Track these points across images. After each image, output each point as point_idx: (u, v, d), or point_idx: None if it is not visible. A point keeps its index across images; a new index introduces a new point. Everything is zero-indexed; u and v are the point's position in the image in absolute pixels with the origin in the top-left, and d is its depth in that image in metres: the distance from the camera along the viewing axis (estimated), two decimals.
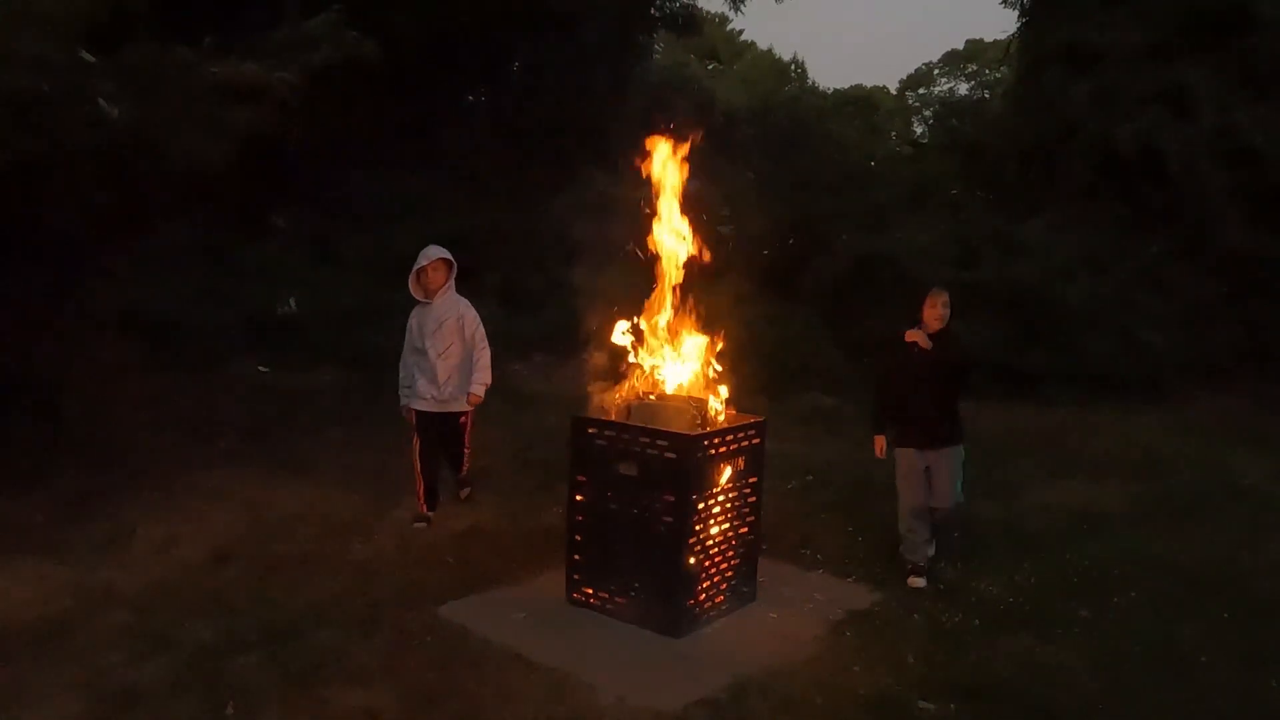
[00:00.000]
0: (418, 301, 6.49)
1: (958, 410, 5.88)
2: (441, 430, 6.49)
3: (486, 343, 6.48)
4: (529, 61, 17.77)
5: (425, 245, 6.42)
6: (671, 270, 5.54)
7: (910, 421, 5.82)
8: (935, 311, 5.76)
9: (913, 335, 5.69)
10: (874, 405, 6.17)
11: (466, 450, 6.71)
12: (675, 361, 5.50)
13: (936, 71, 48.94)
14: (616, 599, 5.04)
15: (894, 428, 5.94)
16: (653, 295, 5.56)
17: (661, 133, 5.60)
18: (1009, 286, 11.91)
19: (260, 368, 10.23)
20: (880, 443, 6.04)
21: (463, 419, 6.54)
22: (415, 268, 6.35)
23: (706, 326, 5.58)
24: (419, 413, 6.44)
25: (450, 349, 6.38)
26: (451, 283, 6.50)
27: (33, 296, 7.49)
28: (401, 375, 6.56)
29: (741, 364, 6.05)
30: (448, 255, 6.41)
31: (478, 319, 6.50)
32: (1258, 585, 5.81)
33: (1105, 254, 12.74)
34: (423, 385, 6.39)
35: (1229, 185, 13.17)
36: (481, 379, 6.43)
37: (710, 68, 40.98)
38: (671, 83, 21.85)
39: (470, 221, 13.20)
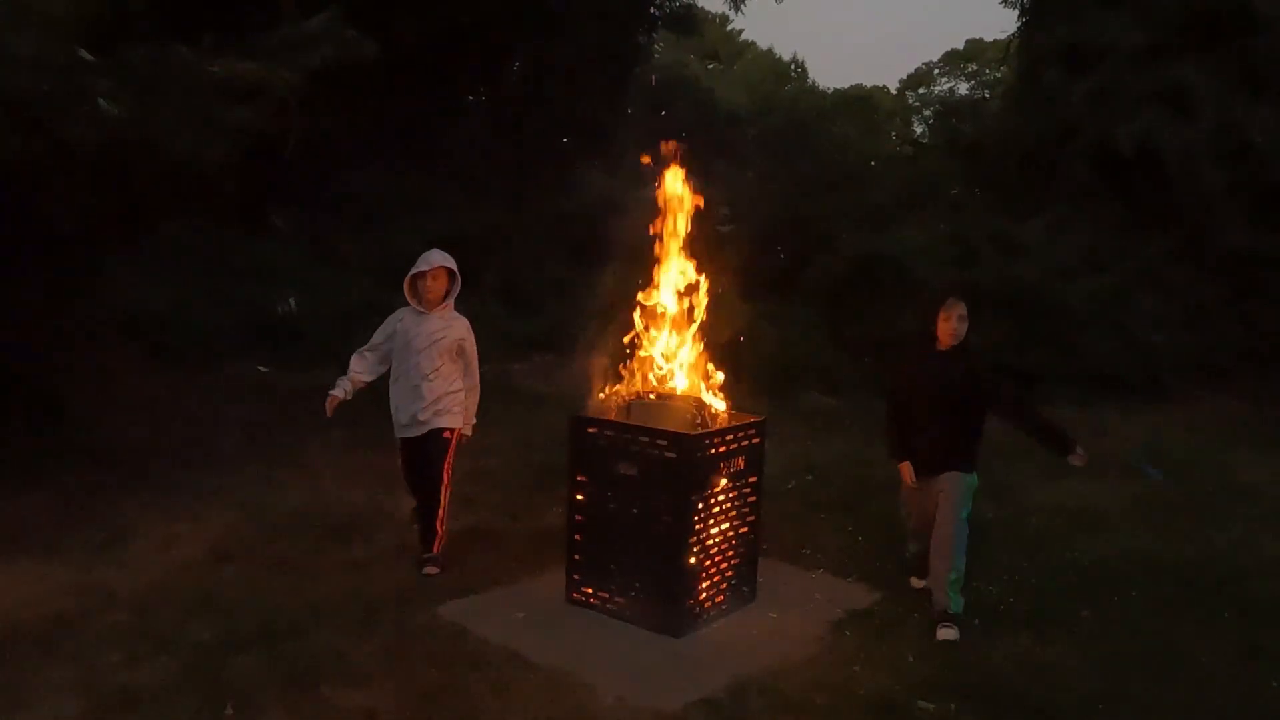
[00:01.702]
0: (408, 304, 5.71)
1: (976, 436, 5.21)
2: (425, 451, 5.65)
3: (476, 369, 5.82)
4: (529, 61, 17.80)
5: (425, 245, 5.84)
6: (673, 269, 5.54)
7: (916, 443, 5.24)
8: (949, 325, 5.06)
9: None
10: (888, 427, 5.40)
11: (444, 503, 5.68)
12: (675, 361, 5.49)
13: (936, 71, 48.99)
14: (616, 599, 5.03)
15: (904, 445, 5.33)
16: (653, 295, 5.55)
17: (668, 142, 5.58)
18: (1009, 286, 11.91)
19: (260, 367, 10.24)
20: (907, 470, 5.30)
21: (447, 433, 5.64)
22: (412, 272, 5.57)
23: (706, 326, 5.56)
24: (400, 440, 5.72)
25: (440, 370, 5.60)
26: (453, 298, 5.72)
27: (32, 297, 7.49)
28: (352, 365, 5.66)
29: (741, 364, 6.04)
30: (451, 264, 5.61)
31: (473, 342, 5.79)
32: (1257, 585, 5.80)
33: (1105, 254, 12.76)
34: (403, 408, 5.63)
35: (1229, 185, 13.19)
36: (474, 413, 5.84)
37: (710, 67, 41.04)
38: (671, 83, 21.89)
39: (470, 221, 13.22)
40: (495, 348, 10.66)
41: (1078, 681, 4.53)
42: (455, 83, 17.43)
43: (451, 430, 5.66)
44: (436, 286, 5.60)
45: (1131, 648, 4.90)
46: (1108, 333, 11.88)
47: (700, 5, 21.66)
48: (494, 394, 6.63)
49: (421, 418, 5.56)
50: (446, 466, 5.65)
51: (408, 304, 5.68)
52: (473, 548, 6.06)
